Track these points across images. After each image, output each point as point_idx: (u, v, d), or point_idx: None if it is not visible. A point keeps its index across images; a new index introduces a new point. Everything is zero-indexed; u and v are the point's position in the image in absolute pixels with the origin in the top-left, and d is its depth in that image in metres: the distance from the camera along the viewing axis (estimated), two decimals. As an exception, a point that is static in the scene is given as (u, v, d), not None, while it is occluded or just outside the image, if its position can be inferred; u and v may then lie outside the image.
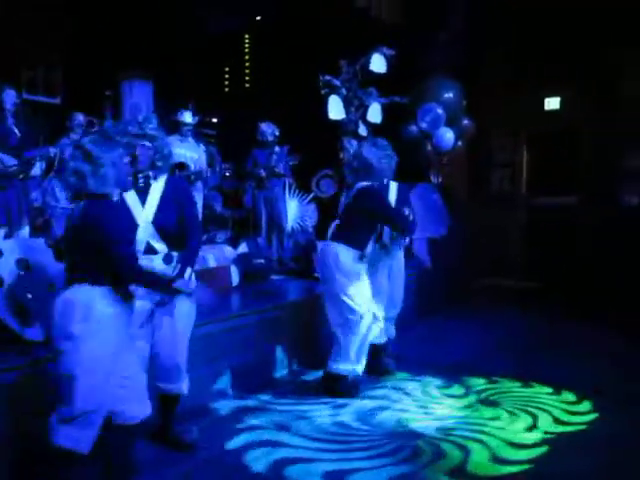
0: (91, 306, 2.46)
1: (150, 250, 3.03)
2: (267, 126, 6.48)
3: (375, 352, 4.42)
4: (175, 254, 3.07)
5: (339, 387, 4.09)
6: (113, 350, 2.51)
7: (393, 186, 4.58)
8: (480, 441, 3.37)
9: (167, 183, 3.12)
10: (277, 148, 6.52)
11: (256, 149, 6.54)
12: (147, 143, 3.02)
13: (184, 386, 3.21)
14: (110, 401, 2.54)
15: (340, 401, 3.98)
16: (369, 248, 4.10)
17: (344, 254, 4.01)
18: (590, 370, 4.55)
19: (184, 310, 3.12)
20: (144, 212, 3.02)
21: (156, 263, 3.01)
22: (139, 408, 2.66)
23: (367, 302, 4.07)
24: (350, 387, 4.11)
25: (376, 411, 3.83)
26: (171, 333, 3.10)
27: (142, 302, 2.90)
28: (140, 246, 2.96)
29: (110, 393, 2.53)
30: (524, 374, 4.43)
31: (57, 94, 7.86)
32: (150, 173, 3.07)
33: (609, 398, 3.96)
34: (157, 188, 3.08)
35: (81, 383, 2.45)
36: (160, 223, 3.04)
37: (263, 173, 6.42)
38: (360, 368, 4.12)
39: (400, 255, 4.61)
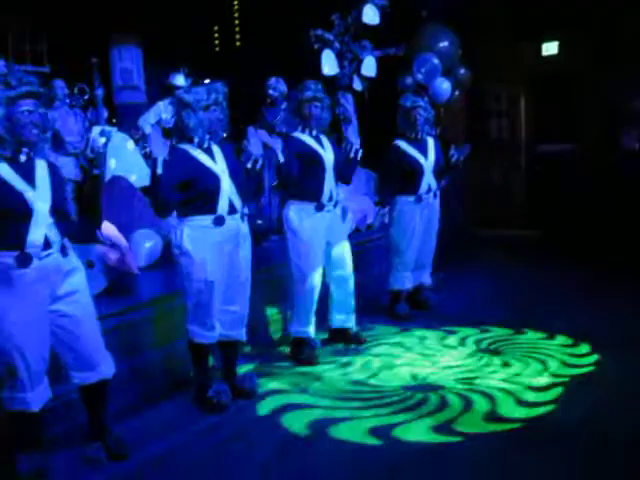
0: None
1: (232, 209, 3.19)
2: (276, 81, 6.05)
3: (394, 297, 4.85)
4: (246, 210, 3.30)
5: (299, 352, 4.02)
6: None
7: (431, 142, 4.73)
8: (500, 389, 3.41)
9: (221, 145, 3.26)
10: (284, 106, 6.10)
11: (264, 107, 6.18)
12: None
13: (244, 333, 3.41)
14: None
15: (344, 360, 4.01)
16: (326, 196, 3.91)
17: (292, 210, 3.96)
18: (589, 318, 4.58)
19: (248, 255, 3.33)
20: (218, 166, 3.16)
21: (238, 221, 3.23)
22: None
23: (313, 262, 3.94)
24: (309, 352, 4.00)
25: (385, 367, 3.86)
26: (239, 282, 3.29)
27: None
28: (225, 205, 3.15)
29: None
30: (520, 323, 4.49)
31: (45, 63, 7.74)
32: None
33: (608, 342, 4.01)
34: (217, 150, 3.22)
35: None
36: (235, 180, 3.20)
37: (263, 132, 6.17)
38: (310, 330, 4.02)
39: (436, 204, 4.80)
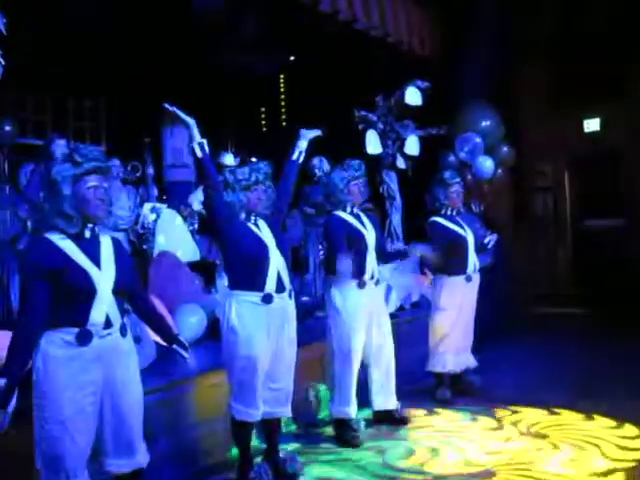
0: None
1: (281, 286, 3.20)
2: (319, 161, 6.26)
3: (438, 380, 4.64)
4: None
5: (341, 434, 3.91)
6: None
7: (459, 218, 4.65)
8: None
9: (268, 221, 3.35)
10: None
11: (306, 186, 6.32)
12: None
13: (289, 410, 3.35)
14: None
15: (387, 443, 3.87)
16: (368, 274, 3.89)
17: (335, 287, 3.92)
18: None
19: (293, 333, 3.32)
20: (266, 238, 3.23)
21: (286, 299, 3.24)
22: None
23: (354, 340, 3.86)
24: (351, 434, 3.87)
25: (430, 453, 3.71)
26: (284, 360, 3.27)
27: None
28: (273, 280, 3.16)
29: None
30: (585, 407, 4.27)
31: (102, 142, 8.13)
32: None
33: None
34: (263, 224, 3.30)
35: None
36: (284, 256, 3.29)
37: (311, 211, 6.26)
38: (351, 410, 3.90)
39: (478, 282, 4.65)
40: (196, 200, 6.12)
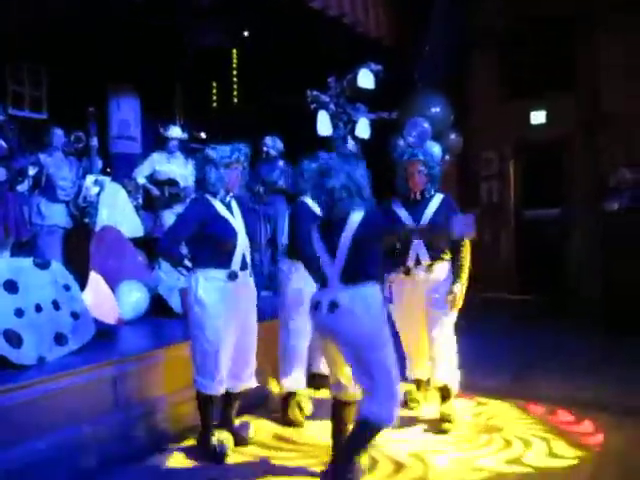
0: None
1: (244, 265, 3.38)
2: (272, 140, 6.31)
3: None
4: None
5: (285, 409, 3.99)
6: None
7: (436, 201, 3.88)
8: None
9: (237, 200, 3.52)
10: (281, 163, 6.33)
11: (260, 163, 6.30)
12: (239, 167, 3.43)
13: (254, 380, 3.54)
14: None
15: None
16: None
17: (282, 265, 4.04)
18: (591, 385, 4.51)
19: (255, 308, 3.53)
20: (236, 222, 3.38)
21: (247, 276, 3.42)
22: None
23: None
24: (296, 411, 3.94)
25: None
26: (247, 334, 3.44)
27: None
28: (238, 260, 3.34)
29: None
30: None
31: (43, 110, 7.81)
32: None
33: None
34: (235, 207, 3.45)
35: None
36: (249, 235, 3.49)
37: (260, 188, 6.24)
38: (296, 384, 3.96)
39: (433, 279, 3.87)
40: (140, 174, 5.97)
